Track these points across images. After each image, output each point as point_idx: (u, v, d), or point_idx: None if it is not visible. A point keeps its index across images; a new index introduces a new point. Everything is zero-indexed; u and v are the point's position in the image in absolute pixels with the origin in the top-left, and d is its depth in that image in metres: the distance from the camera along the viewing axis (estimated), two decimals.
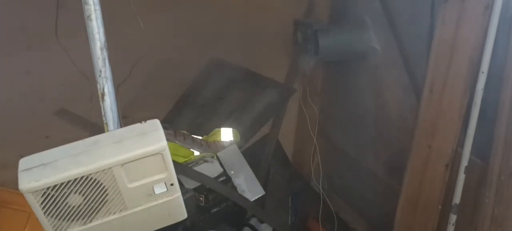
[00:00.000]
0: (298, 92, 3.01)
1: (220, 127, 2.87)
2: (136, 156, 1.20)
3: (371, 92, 2.59)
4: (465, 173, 1.93)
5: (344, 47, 2.55)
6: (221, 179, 2.59)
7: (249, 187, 2.65)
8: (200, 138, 2.84)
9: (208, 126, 2.88)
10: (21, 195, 2.48)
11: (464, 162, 1.93)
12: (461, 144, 1.95)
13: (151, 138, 1.23)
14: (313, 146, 2.95)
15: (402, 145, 2.31)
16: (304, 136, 3.08)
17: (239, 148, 2.82)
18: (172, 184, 1.30)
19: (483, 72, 1.80)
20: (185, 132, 2.82)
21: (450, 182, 2.01)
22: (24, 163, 1.18)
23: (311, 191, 3.05)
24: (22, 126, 2.53)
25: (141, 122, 1.27)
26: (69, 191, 1.18)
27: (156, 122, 1.28)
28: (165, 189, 1.30)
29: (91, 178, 1.19)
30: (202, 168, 2.60)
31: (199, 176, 2.47)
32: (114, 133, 1.28)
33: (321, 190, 2.93)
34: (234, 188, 2.60)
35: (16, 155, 2.55)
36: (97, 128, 2.53)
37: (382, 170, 2.60)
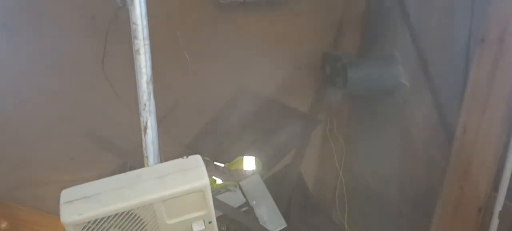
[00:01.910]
0: (323, 124, 2.99)
1: (242, 155, 2.85)
2: (178, 192, 1.19)
3: (399, 129, 2.55)
4: (499, 217, 1.88)
5: (373, 81, 2.53)
6: (244, 209, 2.57)
7: (271, 219, 2.62)
8: (222, 165, 2.83)
9: (231, 154, 2.86)
10: (42, 214, 2.47)
11: (498, 207, 1.88)
12: (495, 188, 1.91)
13: (193, 175, 1.22)
14: (338, 179, 2.91)
15: (430, 184, 2.27)
16: (327, 167, 3.04)
17: (261, 176, 2.80)
18: (210, 222, 1.28)
19: None
20: (207, 158, 2.81)
21: (483, 227, 1.95)
22: (66, 194, 1.17)
23: (332, 225, 2.99)
24: (46, 145, 2.54)
25: (183, 157, 1.26)
26: (109, 225, 1.17)
27: (198, 158, 1.27)
28: (203, 227, 1.28)
29: (132, 213, 1.17)
30: (224, 197, 2.58)
31: (222, 206, 2.45)
32: (155, 167, 1.27)
33: (345, 224, 2.88)
34: (256, 218, 2.57)
35: (38, 174, 2.58)
36: (123, 151, 2.56)
37: (408, 207, 2.55)
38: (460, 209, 2.04)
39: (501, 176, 1.85)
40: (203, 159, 2.88)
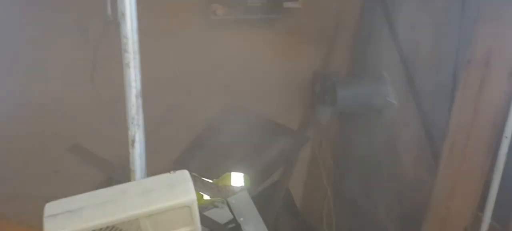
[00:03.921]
0: (311, 141, 3.00)
1: (231, 171, 2.83)
2: (164, 208, 1.18)
3: (386, 147, 2.57)
4: None
5: (362, 100, 2.56)
6: (231, 225, 2.54)
7: None
8: (210, 181, 2.81)
9: (219, 170, 2.84)
10: (26, 229, 2.41)
11: (484, 227, 1.89)
12: (481, 208, 1.92)
13: (180, 190, 1.21)
14: (326, 196, 2.91)
15: (417, 203, 2.28)
16: (315, 185, 3.04)
17: (249, 193, 2.78)
18: None
19: (506, 137, 1.79)
20: (195, 174, 2.78)
21: None
22: (50, 208, 1.15)
23: None
24: (31, 158, 2.50)
25: (170, 172, 1.25)
26: None
27: (185, 173, 1.26)
28: None
29: (117, 228, 1.16)
30: (211, 213, 2.56)
31: (209, 222, 2.42)
32: (142, 182, 1.26)
33: None
34: None
35: (22, 188, 2.53)
36: (109, 166, 2.53)
37: (395, 226, 2.55)
38: (447, 228, 2.04)
39: (487, 196, 1.87)
40: (191, 175, 2.87)
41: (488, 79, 1.87)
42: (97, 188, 1.23)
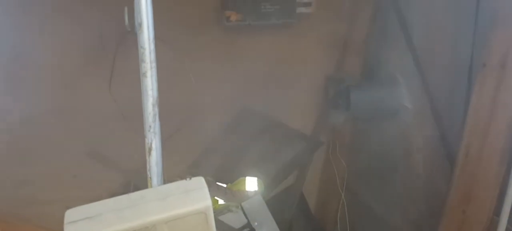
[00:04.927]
0: (325, 145, 3.00)
1: (245, 176, 2.85)
2: (181, 214, 1.20)
3: (401, 151, 2.56)
4: None
5: (375, 104, 2.55)
6: (245, 230, 2.55)
7: None
8: (225, 185, 2.82)
9: (233, 174, 2.86)
10: None
11: None
12: (497, 212, 1.90)
13: (196, 196, 1.23)
14: (340, 200, 2.91)
15: (432, 207, 2.26)
16: (329, 189, 3.04)
17: (263, 197, 2.79)
18: None
19: None
20: (210, 178, 2.81)
21: None
22: (70, 215, 1.18)
23: None
24: (51, 163, 2.55)
25: (186, 179, 1.28)
26: None
27: (201, 180, 1.28)
28: None
29: None
30: (226, 218, 2.57)
31: (224, 227, 2.44)
32: (159, 189, 1.28)
33: None
34: None
35: (42, 192, 2.58)
36: (127, 172, 2.57)
37: (410, 230, 2.54)
38: None
39: (503, 200, 1.85)
40: (205, 179, 2.89)
41: (504, 82, 1.86)
42: (115, 193, 1.26)
